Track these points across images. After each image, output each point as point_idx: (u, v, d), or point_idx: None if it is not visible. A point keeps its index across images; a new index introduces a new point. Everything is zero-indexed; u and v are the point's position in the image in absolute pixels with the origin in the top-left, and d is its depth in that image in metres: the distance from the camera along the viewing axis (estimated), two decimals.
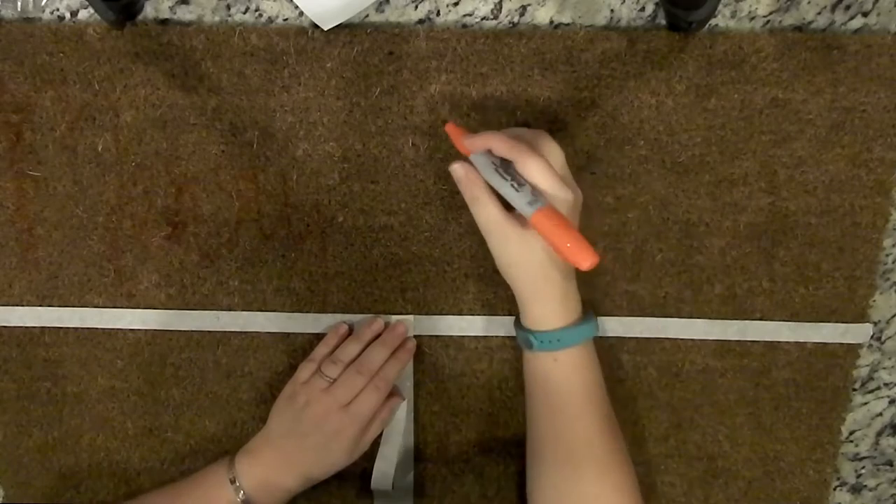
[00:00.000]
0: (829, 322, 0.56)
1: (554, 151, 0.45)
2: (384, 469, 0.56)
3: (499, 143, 0.43)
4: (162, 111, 0.53)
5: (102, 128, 0.53)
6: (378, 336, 0.56)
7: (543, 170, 0.43)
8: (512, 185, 0.43)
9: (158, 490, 0.56)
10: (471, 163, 0.46)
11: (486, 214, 0.45)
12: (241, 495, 0.52)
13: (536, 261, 0.45)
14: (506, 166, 0.44)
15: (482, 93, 0.52)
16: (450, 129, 0.47)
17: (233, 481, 0.52)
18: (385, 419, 0.56)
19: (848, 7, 0.51)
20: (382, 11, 0.51)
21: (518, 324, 0.50)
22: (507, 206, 0.45)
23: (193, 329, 0.57)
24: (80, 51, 0.51)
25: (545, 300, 0.47)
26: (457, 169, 0.45)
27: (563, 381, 0.48)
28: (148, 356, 0.58)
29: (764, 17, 0.51)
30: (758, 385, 0.58)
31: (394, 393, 0.57)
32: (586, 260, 0.40)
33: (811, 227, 0.54)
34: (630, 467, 0.49)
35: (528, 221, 0.43)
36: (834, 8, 0.51)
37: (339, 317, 0.57)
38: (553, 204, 0.43)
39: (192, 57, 0.51)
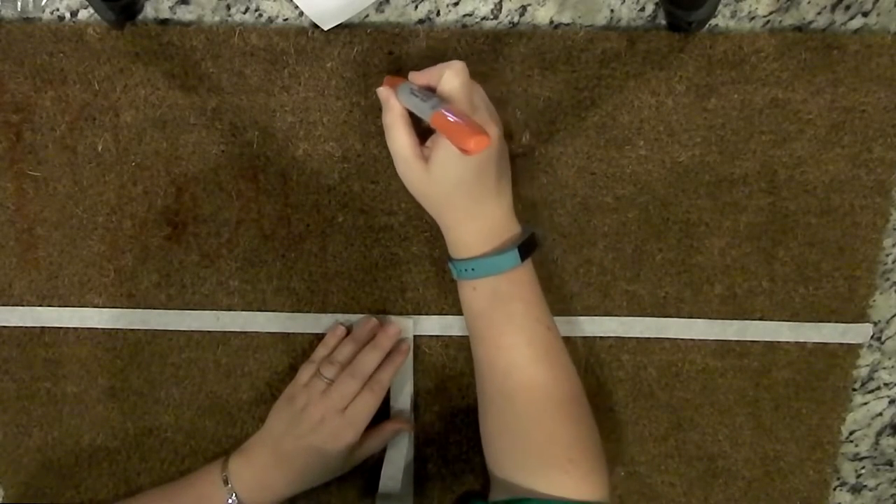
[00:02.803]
0: (829, 322, 0.56)
1: (474, 85, 0.46)
2: (392, 473, 0.56)
3: (417, 73, 0.46)
4: (162, 111, 0.53)
5: (102, 128, 0.53)
6: (374, 336, 0.56)
7: (451, 74, 0.43)
8: (421, 99, 0.44)
9: (154, 490, 0.56)
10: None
11: (398, 142, 0.46)
12: (233, 496, 0.52)
13: (443, 188, 0.46)
14: (421, 89, 0.45)
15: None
16: (387, 79, 0.49)
17: (226, 481, 0.52)
18: (388, 438, 0.56)
19: (848, 7, 0.51)
20: (382, 11, 0.51)
21: (448, 254, 0.50)
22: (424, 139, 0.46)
23: (193, 329, 0.57)
24: (80, 51, 0.51)
25: (456, 227, 0.48)
26: (381, 91, 0.47)
27: (484, 310, 0.48)
28: (148, 356, 0.58)
29: (764, 17, 0.51)
30: (758, 385, 0.58)
31: (402, 420, 0.57)
32: (471, 138, 0.39)
33: (811, 227, 0.54)
34: (570, 384, 0.48)
35: (437, 147, 0.44)
36: (834, 8, 0.51)
37: (339, 317, 0.57)
38: (460, 105, 0.43)
39: (192, 57, 0.51)
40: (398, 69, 0.51)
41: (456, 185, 0.45)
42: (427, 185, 0.46)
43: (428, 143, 0.47)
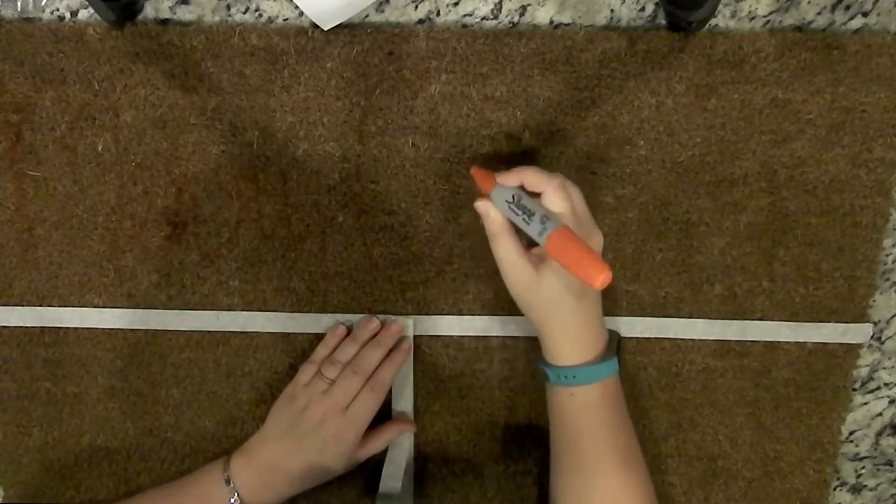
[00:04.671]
0: (829, 322, 0.56)
1: (574, 191, 0.46)
2: (393, 472, 0.56)
3: (510, 176, 0.45)
4: (162, 111, 0.53)
5: (102, 128, 0.53)
6: (375, 335, 0.56)
7: (555, 194, 0.44)
8: (523, 219, 0.44)
9: (155, 489, 0.56)
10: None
11: (503, 251, 0.46)
12: (234, 496, 0.52)
13: (549, 299, 0.46)
14: (517, 200, 0.44)
15: (482, 93, 0.52)
16: (475, 171, 0.49)
17: (227, 481, 0.52)
18: (390, 439, 0.56)
19: (848, 7, 0.51)
20: (382, 11, 0.51)
21: (541, 356, 0.51)
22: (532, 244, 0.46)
23: (193, 329, 0.57)
24: (80, 51, 0.51)
25: (559, 336, 0.48)
26: (479, 206, 0.47)
27: (579, 417, 0.49)
28: (148, 356, 0.58)
29: (764, 17, 0.51)
30: (758, 385, 0.58)
31: (405, 420, 0.57)
32: (598, 276, 0.40)
33: (811, 227, 0.54)
34: (645, 493, 0.49)
35: (543, 257, 0.44)
36: (834, 8, 0.51)
37: (339, 317, 0.57)
38: (567, 224, 0.43)
39: (192, 57, 0.51)
40: (399, 70, 0.51)
41: (564, 299, 0.46)
42: (533, 296, 0.46)
43: (534, 250, 0.46)
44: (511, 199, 0.45)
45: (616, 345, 0.49)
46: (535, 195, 0.45)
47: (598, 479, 0.48)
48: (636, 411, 0.59)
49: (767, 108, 0.52)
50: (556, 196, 0.44)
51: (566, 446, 0.50)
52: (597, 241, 0.46)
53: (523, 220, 0.44)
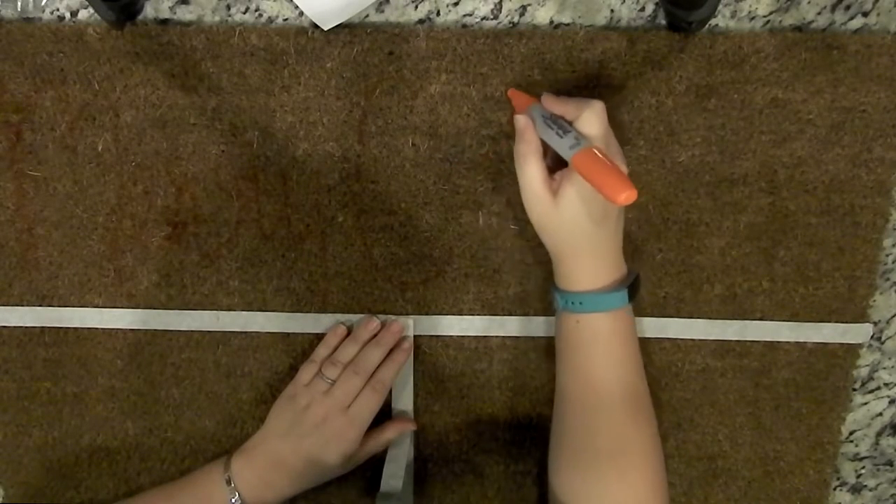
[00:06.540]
0: (829, 322, 0.56)
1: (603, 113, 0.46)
2: (394, 472, 0.56)
3: (553, 100, 0.46)
4: (162, 111, 0.53)
5: (102, 128, 0.53)
6: (375, 335, 0.56)
7: (593, 116, 0.44)
8: (557, 133, 0.44)
9: (155, 489, 0.56)
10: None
11: (529, 175, 0.46)
12: (235, 496, 0.52)
13: (566, 222, 0.46)
14: (555, 118, 0.45)
15: (482, 93, 0.52)
16: (512, 92, 0.50)
17: (228, 482, 0.52)
18: (391, 438, 0.56)
19: (848, 7, 0.51)
20: (382, 11, 0.51)
21: (553, 282, 0.51)
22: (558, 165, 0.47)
23: (193, 329, 0.57)
24: (80, 51, 0.51)
25: (570, 261, 0.48)
26: (519, 119, 0.46)
27: (582, 344, 0.48)
28: (148, 356, 0.58)
29: (764, 17, 0.51)
30: (758, 385, 0.58)
31: (406, 419, 0.57)
32: (622, 192, 0.40)
33: (811, 227, 0.54)
34: (654, 449, 0.48)
35: (567, 180, 0.44)
36: (834, 8, 0.51)
37: (339, 317, 0.57)
38: (598, 145, 0.43)
39: (192, 57, 0.51)
40: (399, 70, 0.51)
41: (581, 223, 0.46)
42: (551, 220, 0.46)
43: (556, 175, 0.46)
44: (548, 116, 0.45)
45: (635, 282, 0.48)
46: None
47: (602, 413, 0.48)
48: None
49: (767, 108, 0.52)
50: (593, 117, 0.44)
51: (570, 377, 0.49)
52: (622, 167, 0.45)
53: (557, 133, 0.44)
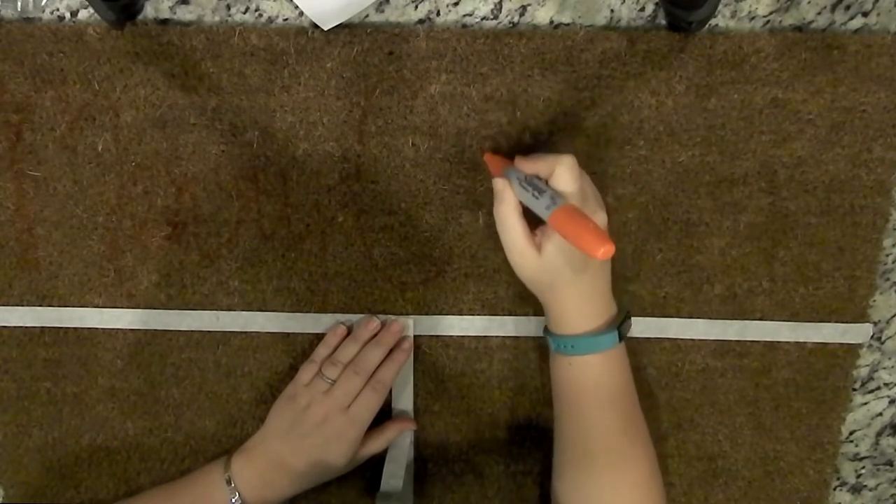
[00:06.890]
0: (829, 322, 0.56)
1: (582, 173, 0.47)
2: (394, 471, 0.56)
3: (525, 161, 0.47)
4: (162, 111, 0.53)
5: (102, 128, 0.53)
6: (375, 335, 0.56)
7: (566, 172, 0.44)
8: (533, 194, 0.45)
9: (155, 489, 0.56)
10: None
11: (512, 235, 0.47)
12: (236, 496, 0.52)
13: (550, 273, 0.47)
14: (529, 179, 0.46)
15: (482, 93, 0.52)
16: (487, 157, 0.52)
17: (228, 482, 0.52)
18: (391, 438, 0.56)
19: (848, 7, 0.51)
20: (382, 11, 0.51)
21: (545, 325, 0.52)
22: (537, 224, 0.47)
23: (193, 329, 0.57)
24: (80, 51, 0.51)
25: (560, 307, 0.49)
26: (497, 181, 0.47)
27: (576, 385, 0.49)
28: (148, 356, 0.58)
29: (764, 17, 0.51)
30: (758, 385, 0.58)
31: (406, 419, 0.58)
32: (599, 247, 0.40)
33: (811, 227, 0.54)
34: (648, 464, 0.50)
35: (547, 236, 0.46)
36: (834, 8, 0.51)
37: (339, 317, 0.57)
38: (574, 203, 0.44)
39: (192, 57, 0.51)
40: (399, 70, 0.51)
41: (564, 274, 0.47)
42: (537, 273, 0.47)
43: (537, 231, 0.47)
44: (523, 178, 0.46)
45: (622, 320, 0.49)
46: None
47: (599, 452, 0.49)
48: None
49: (767, 108, 0.52)
50: (566, 174, 0.44)
51: (565, 415, 0.50)
52: (600, 218, 0.46)
53: (533, 195, 0.45)
